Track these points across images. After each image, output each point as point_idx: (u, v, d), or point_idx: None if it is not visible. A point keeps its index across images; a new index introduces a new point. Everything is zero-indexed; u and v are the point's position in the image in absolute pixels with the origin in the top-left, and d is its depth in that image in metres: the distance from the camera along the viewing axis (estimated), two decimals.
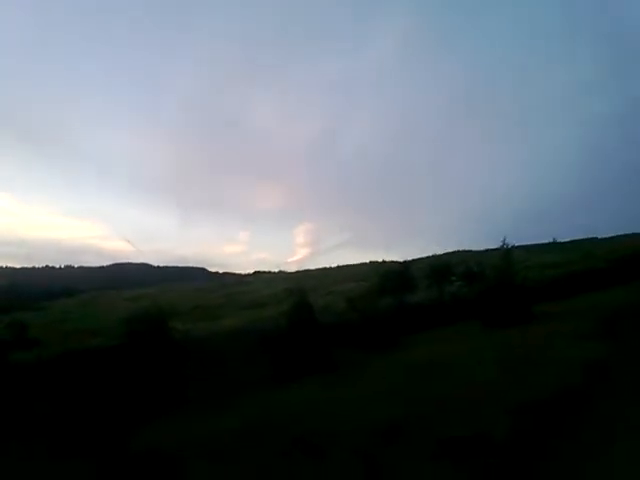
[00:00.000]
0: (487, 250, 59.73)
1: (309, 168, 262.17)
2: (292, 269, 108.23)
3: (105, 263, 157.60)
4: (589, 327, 16.54)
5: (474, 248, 77.74)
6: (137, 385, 20.54)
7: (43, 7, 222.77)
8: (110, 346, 27.96)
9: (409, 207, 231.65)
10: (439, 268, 42.18)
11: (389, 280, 39.51)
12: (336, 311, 33.15)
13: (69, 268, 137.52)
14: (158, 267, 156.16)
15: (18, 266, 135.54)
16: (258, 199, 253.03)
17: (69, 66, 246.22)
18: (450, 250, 77.44)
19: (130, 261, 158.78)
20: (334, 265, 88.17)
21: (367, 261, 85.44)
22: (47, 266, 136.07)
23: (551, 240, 73.09)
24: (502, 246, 28.15)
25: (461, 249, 79.62)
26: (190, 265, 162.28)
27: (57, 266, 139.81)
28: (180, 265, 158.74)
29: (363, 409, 11.78)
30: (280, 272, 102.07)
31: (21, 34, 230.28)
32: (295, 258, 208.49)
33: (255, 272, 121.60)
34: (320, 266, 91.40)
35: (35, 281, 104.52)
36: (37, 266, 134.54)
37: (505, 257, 27.42)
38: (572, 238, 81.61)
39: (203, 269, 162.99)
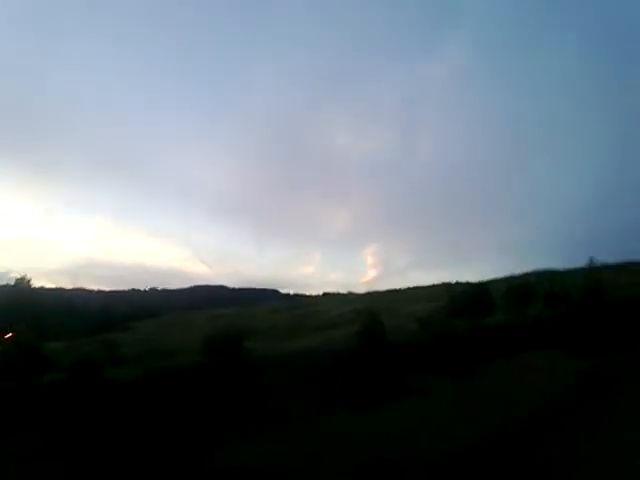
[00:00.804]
0: (571, 270, 55.59)
1: (376, 189, 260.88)
2: (361, 290, 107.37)
3: (185, 285, 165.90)
4: None
5: (556, 267, 72.73)
6: (214, 404, 21.39)
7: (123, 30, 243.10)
8: (189, 366, 29.39)
9: (482, 225, 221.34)
10: (518, 289, 39.93)
11: (463, 301, 38.06)
12: (407, 332, 32.46)
13: (153, 290, 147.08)
14: (233, 289, 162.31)
15: (107, 289, 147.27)
16: (329, 220, 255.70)
17: (150, 88, 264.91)
18: (529, 270, 73.04)
19: (208, 283, 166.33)
20: (404, 286, 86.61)
21: (438, 282, 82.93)
22: (133, 289, 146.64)
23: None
24: (589, 264, 26.33)
25: (541, 268, 74.81)
26: (263, 287, 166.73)
27: (142, 289, 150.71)
28: (254, 287, 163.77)
29: (435, 437, 11.48)
30: (349, 293, 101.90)
31: (99, 57, 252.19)
32: (365, 279, 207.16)
33: (325, 294, 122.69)
34: (390, 287, 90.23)
35: (122, 303, 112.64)
36: (124, 289, 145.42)
37: (592, 276, 25.58)
38: None
39: (275, 291, 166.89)
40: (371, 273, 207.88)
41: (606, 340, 21.03)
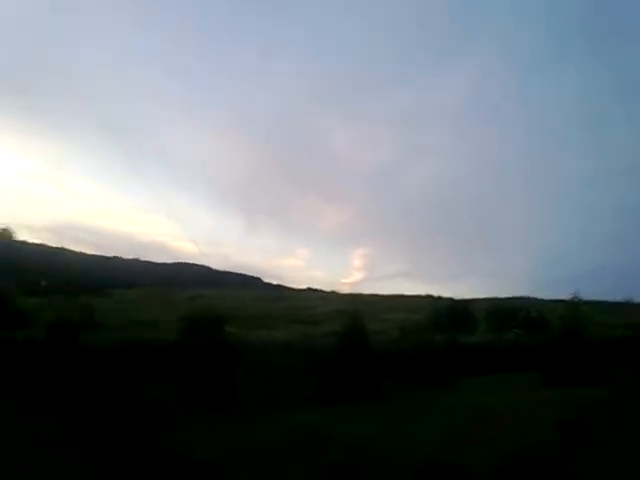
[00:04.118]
0: (553, 301, 56.48)
1: (373, 195, 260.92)
2: (345, 291, 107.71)
3: (169, 260, 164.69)
4: None
5: (538, 296, 73.91)
6: (187, 382, 21.29)
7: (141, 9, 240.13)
8: (166, 341, 29.23)
9: (471, 244, 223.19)
10: (501, 311, 40.51)
11: (445, 316, 38.51)
12: (388, 339, 32.72)
13: (135, 261, 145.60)
14: (217, 271, 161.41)
15: (89, 252, 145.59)
16: (320, 219, 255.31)
17: (155, 63, 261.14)
18: (513, 295, 74.18)
19: (192, 262, 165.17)
20: (388, 293, 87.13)
21: (422, 294, 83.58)
22: (115, 256, 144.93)
23: (624, 299, 67.20)
24: (572, 298, 26.80)
25: (524, 295, 76.00)
26: (247, 273, 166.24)
27: (124, 257, 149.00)
28: (237, 272, 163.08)
29: (405, 446, 11.59)
30: (333, 292, 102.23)
31: (115, 35, 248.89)
32: (349, 280, 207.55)
33: (308, 288, 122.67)
34: (373, 292, 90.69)
35: (103, 269, 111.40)
36: (107, 255, 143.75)
37: (573, 310, 26.04)
38: None
39: (259, 278, 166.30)
40: (356, 275, 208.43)
41: (580, 373, 21.52)
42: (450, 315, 38.63)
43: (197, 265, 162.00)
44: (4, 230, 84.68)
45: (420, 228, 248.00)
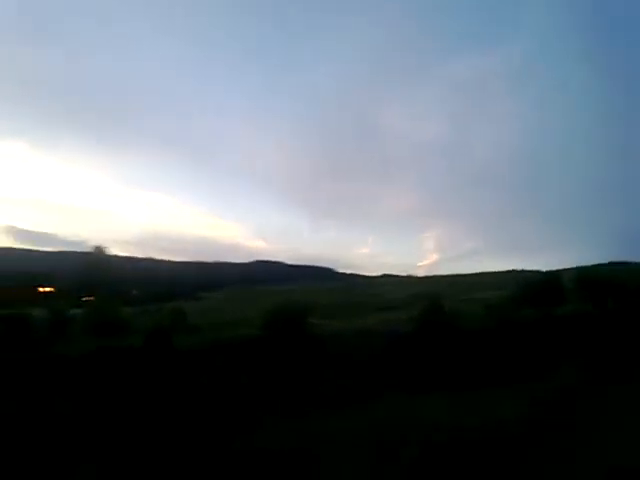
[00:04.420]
0: None
1: (441, 170, 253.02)
2: (421, 274, 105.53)
3: (245, 260, 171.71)
4: None
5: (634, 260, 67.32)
6: (274, 375, 21.85)
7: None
8: (254, 336, 30.39)
9: (551, 214, 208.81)
10: (594, 279, 37.36)
11: (533, 289, 36.23)
12: (474, 318, 31.46)
13: (217, 264, 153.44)
14: (290, 266, 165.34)
15: (176, 260, 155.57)
16: (387, 203, 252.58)
17: (217, 72, 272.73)
18: (601, 261, 68.46)
19: (267, 259, 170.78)
20: (467, 272, 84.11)
21: (503, 269, 79.39)
22: (198, 261, 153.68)
23: None
24: None
25: (615, 260, 69.83)
26: (319, 265, 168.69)
27: (206, 261, 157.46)
28: (310, 264, 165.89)
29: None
30: (409, 276, 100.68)
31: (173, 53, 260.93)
32: (424, 263, 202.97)
33: (383, 275, 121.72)
34: (451, 272, 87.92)
35: (188, 274, 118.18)
36: (189, 260, 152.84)
37: None
38: None
39: (331, 269, 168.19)
40: (431, 257, 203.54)
41: None
42: (540, 288, 36.28)
43: (271, 262, 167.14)
44: (98, 246, 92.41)
45: (493, 201, 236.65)
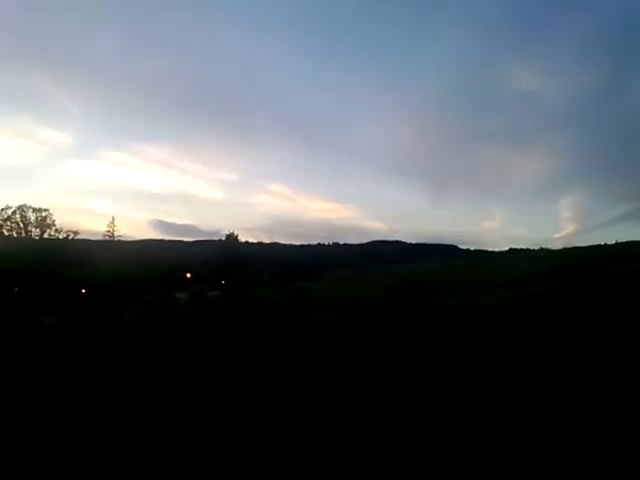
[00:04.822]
0: None
1: (573, 135, 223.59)
2: (557, 246, 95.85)
3: (364, 240, 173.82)
4: None
5: None
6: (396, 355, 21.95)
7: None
8: (376, 314, 31.00)
9: None
10: None
11: None
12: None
13: (336, 245, 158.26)
14: (411, 244, 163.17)
15: (296, 243, 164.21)
16: (513, 173, 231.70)
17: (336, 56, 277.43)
18: None
19: (386, 239, 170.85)
20: (612, 242, 74.14)
21: None
22: (319, 243, 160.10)
23: None
24: None
25: None
26: (441, 242, 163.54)
27: (326, 243, 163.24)
28: (432, 242, 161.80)
29: None
30: (541, 249, 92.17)
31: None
32: (559, 234, 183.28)
33: (510, 249, 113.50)
34: (592, 243, 78.40)
35: (310, 256, 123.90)
36: (312, 243, 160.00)
37: None
38: None
39: (454, 246, 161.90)
40: (568, 228, 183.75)
41: None
42: None
43: (391, 241, 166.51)
44: (231, 234, 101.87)
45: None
